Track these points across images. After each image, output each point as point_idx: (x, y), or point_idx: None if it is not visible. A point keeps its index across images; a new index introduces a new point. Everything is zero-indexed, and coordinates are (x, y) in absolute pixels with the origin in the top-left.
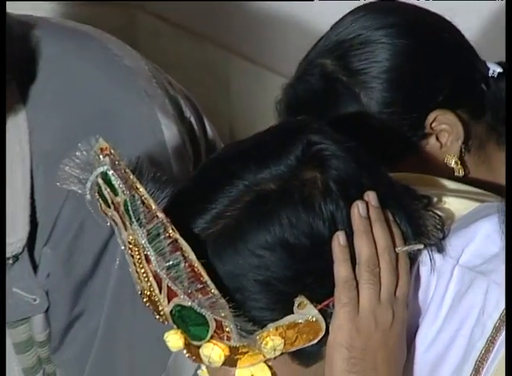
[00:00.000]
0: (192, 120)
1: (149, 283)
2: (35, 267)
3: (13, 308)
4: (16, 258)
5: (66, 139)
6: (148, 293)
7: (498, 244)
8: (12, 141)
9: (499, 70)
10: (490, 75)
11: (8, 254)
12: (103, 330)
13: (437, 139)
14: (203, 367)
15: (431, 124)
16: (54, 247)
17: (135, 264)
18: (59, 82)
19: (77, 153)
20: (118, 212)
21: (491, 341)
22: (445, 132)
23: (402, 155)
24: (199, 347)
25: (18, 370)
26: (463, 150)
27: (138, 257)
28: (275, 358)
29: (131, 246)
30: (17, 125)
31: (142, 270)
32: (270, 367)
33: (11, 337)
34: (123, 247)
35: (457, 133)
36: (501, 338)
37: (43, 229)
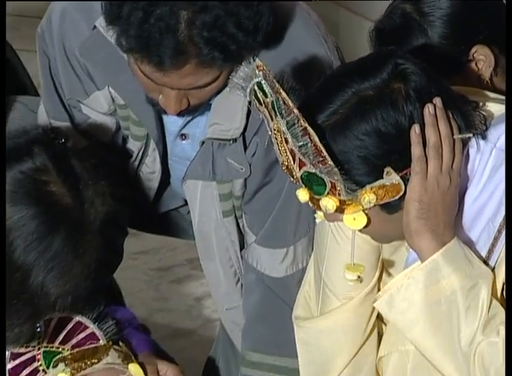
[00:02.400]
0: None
1: (286, 157)
2: (245, 148)
3: (225, 171)
4: (234, 140)
5: (279, 63)
6: (286, 163)
7: None
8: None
9: None
10: None
11: (228, 137)
12: (285, 194)
13: (475, 64)
14: (319, 213)
15: (473, 54)
16: (261, 136)
17: (277, 144)
18: (280, 34)
19: (240, 68)
20: (267, 109)
21: None
22: (481, 61)
23: (452, 73)
24: (319, 200)
25: (219, 211)
26: (493, 73)
27: (280, 139)
28: (369, 208)
29: (275, 132)
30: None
31: (283, 148)
32: (366, 214)
33: (217, 189)
34: (270, 133)
35: (490, 62)
36: None
37: (254, 123)
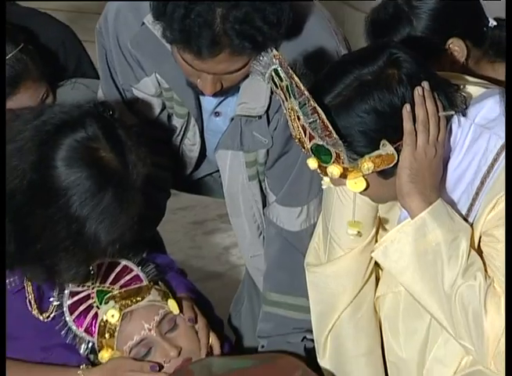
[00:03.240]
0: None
1: (299, 131)
2: (268, 123)
3: (251, 143)
4: (259, 117)
5: (297, 52)
6: (298, 137)
7: (498, 112)
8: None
9: (495, 23)
10: (490, 25)
11: (254, 114)
12: (300, 163)
13: (450, 54)
14: (325, 179)
15: (450, 44)
16: (281, 114)
17: (291, 121)
18: (298, 27)
19: (260, 58)
20: (282, 91)
21: (490, 167)
22: (456, 51)
23: (431, 60)
24: (326, 167)
25: (245, 176)
26: (465, 62)
27: (293, 117)
28: (368, 174)
29: (289, 110)
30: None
31: (295, 124)
32: (365, 179)
33: (244, 158)
34: (285, 111)
35: (463, 53)
36: (498, 164)
37: (276, 103)
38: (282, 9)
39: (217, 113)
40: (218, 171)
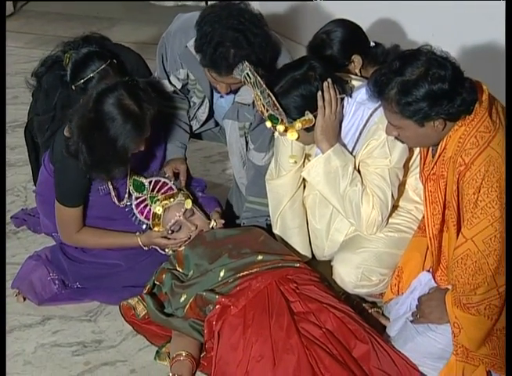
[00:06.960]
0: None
1: (261, 107)
2: (253, 108)
3: (243, 118)
4: (249, 104)
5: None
6: (260, 109)
7: (367, 95)
8: None
9: (374, 44)
10: (371, 45)
11: (245, 102)
12: (267, 129)
13: (353, 64)
14: (276, 133)
15: (353, 59)
16: None
17: (256, 101)
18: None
19: (238, 66)
20: (251, 85)
21: (364, 125)
22: (356, 63)
23: (341, 68)
24: (275, 126)
25: (238, 134)
26: (361, 69)
27: (257, 99)
28: (299, 130)
29: (255, 95)
30: None
31: (259, 103)
32: (297, 133)
33: (238, 125)
34: (253, 96)
35: (360, 64)
36: (368, 124)
37: None
38: (267, 51)
39: (221, 96)
40: (214, 127)
